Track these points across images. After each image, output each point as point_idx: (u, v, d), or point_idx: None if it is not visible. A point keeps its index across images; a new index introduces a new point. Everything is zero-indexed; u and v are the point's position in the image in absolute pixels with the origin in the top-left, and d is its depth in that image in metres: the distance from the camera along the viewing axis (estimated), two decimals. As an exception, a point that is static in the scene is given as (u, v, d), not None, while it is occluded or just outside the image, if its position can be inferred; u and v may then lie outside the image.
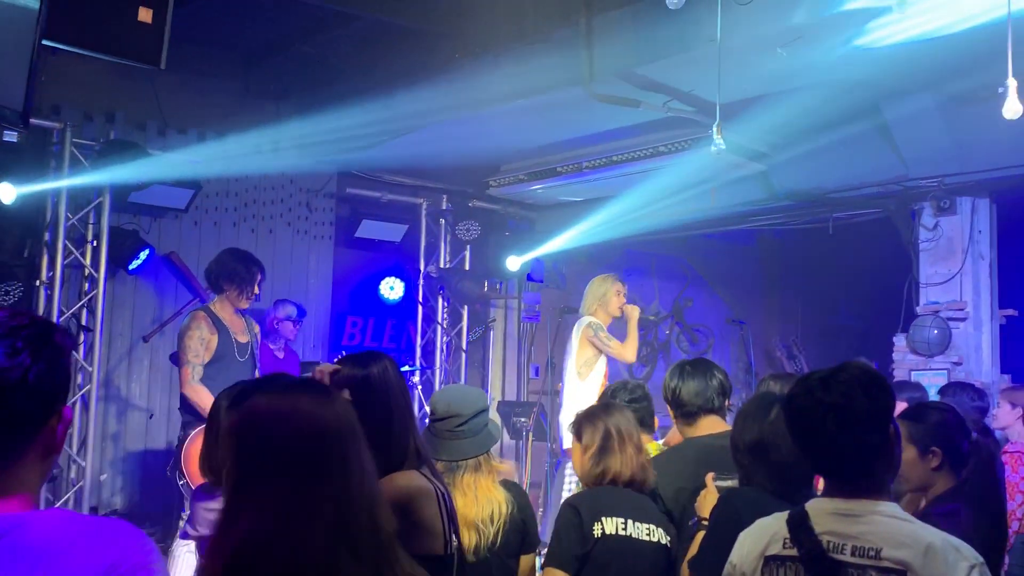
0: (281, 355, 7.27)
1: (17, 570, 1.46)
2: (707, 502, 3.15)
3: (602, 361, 6.54)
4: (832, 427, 2.11)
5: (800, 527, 2.13)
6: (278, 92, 7.95)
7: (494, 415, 7.42)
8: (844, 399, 2.11)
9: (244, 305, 5.97)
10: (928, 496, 3.02)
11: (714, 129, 5.10)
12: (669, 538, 3.32)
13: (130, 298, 7.51)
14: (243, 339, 5.95)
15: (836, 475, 2.18)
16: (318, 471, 1.71)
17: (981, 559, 2.05)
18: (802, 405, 2.18)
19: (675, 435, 4.24)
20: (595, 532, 3.20)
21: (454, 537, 2.54)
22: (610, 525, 3.21)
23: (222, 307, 5.93)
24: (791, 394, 2.24)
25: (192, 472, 5.33)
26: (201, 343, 5.75)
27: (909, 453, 2.99)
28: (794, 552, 2.13)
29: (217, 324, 5.82)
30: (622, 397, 4.09)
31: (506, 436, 7.97)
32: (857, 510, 2.11)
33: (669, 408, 3.80)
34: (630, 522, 3.25)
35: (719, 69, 5.27)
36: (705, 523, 3.10)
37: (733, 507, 2.76)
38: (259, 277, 6.00)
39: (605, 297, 6.61)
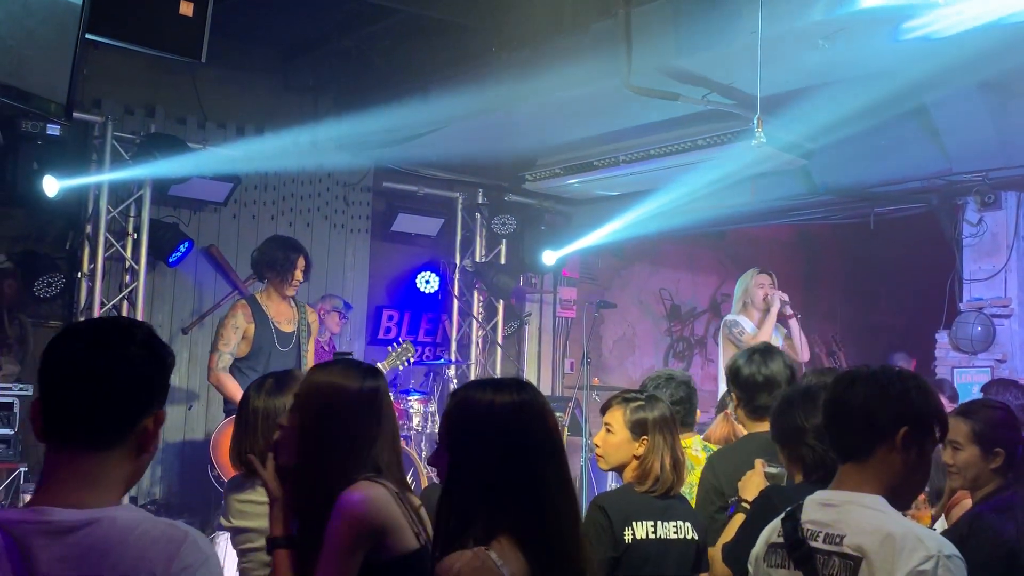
0: (327, 348, 7.33)
1: (88, 563, 1.54)
2: (751, 484, 3.14)
3: (770, 333, 6.60)
4: (828, 420, 2.28)
5: (789, 516, 2.24)
6: (316, 87, 7.99)
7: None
8: (847, 388, 2.23)
9: (290, 292, 6.01)
10: (976, 496, 2.98)
11: (755, 122, 5.05)
12: (697, 533, 3.29)
13: (170, 290, 7.59)
14: (287, 328, 5.98)
15: (841, 462, 2.26)
16: None
17: (950, 552, 2.01)
18: (834, 387, 2.32)
19: (719, 429, 4.20)
20: (626, 538, 3.15)
21: (422, 529, 2.53)
22: (641, 530, 3.18)
23: (268, 296, 6.01)
24: (836, 378, 2.37)
25: (223, 463, 5.36)
26: (235, 331, 5.82)
27: (971, 451, 3.00)
28: (782, 540, 2.24)
29: (257, 314, 5.87)
30: (663, 393, 4.00)
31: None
32: (837, 500, 2.18)
33: (734, 397, 3.70)
34: (659, 523, 3.22)
35: (759, 61, 5.21)
36: (745, 506, 3.09)
37: (772, 504, 2.76)
38: (302, 263, 6.02)
39: (748, 293, 6.71)
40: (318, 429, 2.58)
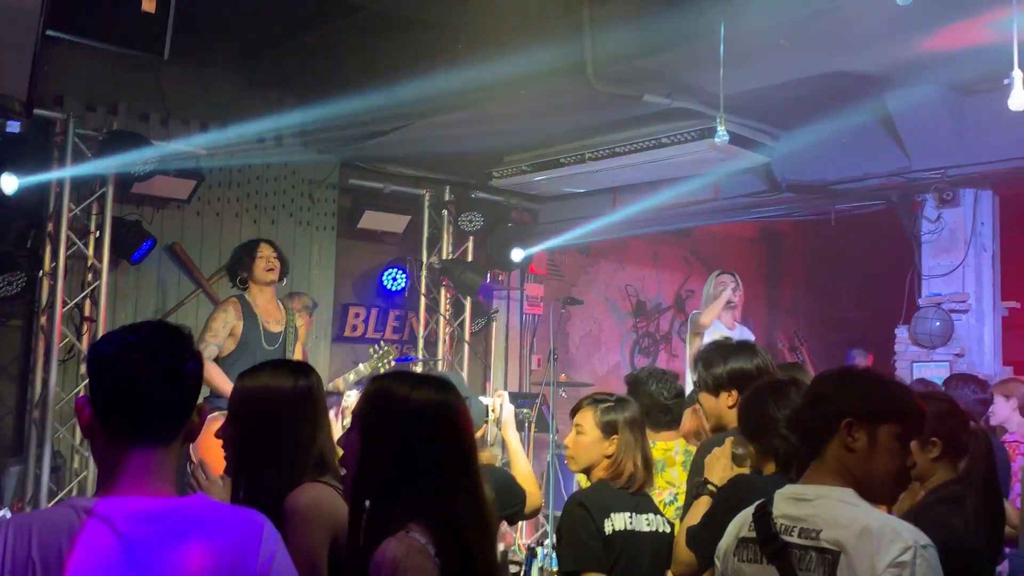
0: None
1: (182, 545, 1.68)
2: (718, 466, 3.19)
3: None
4: (787, 416, 2.48)
5: (761, 511, 2.27)
6: (280, 83, 7.94)
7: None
8: (813, 389, 2.38)
9: (269, 278, 6.09)
10: (927, 486, 3.03)
11: (718, 120, 5.10)
12: (669, 527, 3.37)
13: (132, 289, 7.51)
14: (275, 328, 6.09)
15: (808, 460, 2.32)
16: None
17: (925, 542, 2.06)
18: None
19: (687, 423, 4.24)
20: (606, 529, 3.24)
21: None
22: (619, 521, 3.27)
23: (256, 295, 6.11)
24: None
25: (209, 460, 5.29)
26: (224, 326, 5.94)
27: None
28: (754, 534, 2.26)
29: (246, 312, 5.97)
30: (660, 387, 4.02)
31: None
32: (809, 494, 2.22)
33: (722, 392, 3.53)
34: (634, 515, 3.31)
35: (722, 60, 5.27)
36: (711, 488, 3.13)
37: (739, 494, 2.80)
38: (267, 249, 6.14)
39: (712, 294, 7.03)
40: (258, 434, 2.60)
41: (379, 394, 2.21)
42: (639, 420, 3.44)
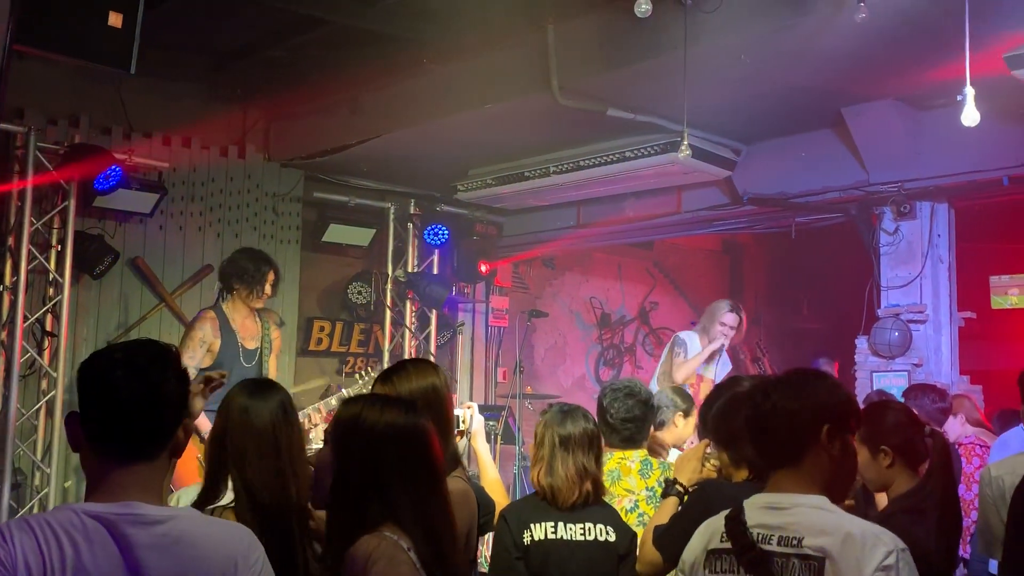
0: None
1: (178, 550, 1.77)
2: (688, 467, 3.24)
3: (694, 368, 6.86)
4: (753, 434, 2.36)
5: (734, 521, 2.26)
6: (244, 96, 7.91)
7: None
8: (763, 400, 2.31)
9: (257, 304, 5.94)
10: (890, 495, 3.08)
11: (682, 135, 5.17)
12: (616, 534, 3.42)
13: (95, 303, 7.44)
14: (251, 345, 5.90)
15: (773, 470, 2.32)
16: None
17: (903, 545, 2.12)
18: (750, 402, 2.39)
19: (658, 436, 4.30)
20: (525, 540, 3.36)
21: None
22: (539, 531, 3.37)
23: (234, 308, 5.92)
24: (748, 392, 2.50)
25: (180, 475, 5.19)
26: (201, 345, 5.72)
27: (862, 454, 3.01)
28: (729, 545, 2.25)
29: (224, 327, 5.78)
30: (618, 407, 4.02)
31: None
32: (784, 503, 2.22)
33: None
34: (562, 525, 3.38)
35: (685, 76, 5.35)
36: (678, 488, 3.19)
37: (707, 498, 2.86)
38: (272, 277, 5.97)
39: (712, 321, 6.94)
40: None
41: (350, 418, 2.35)
42: (578, 436, 3.45)
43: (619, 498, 3.89)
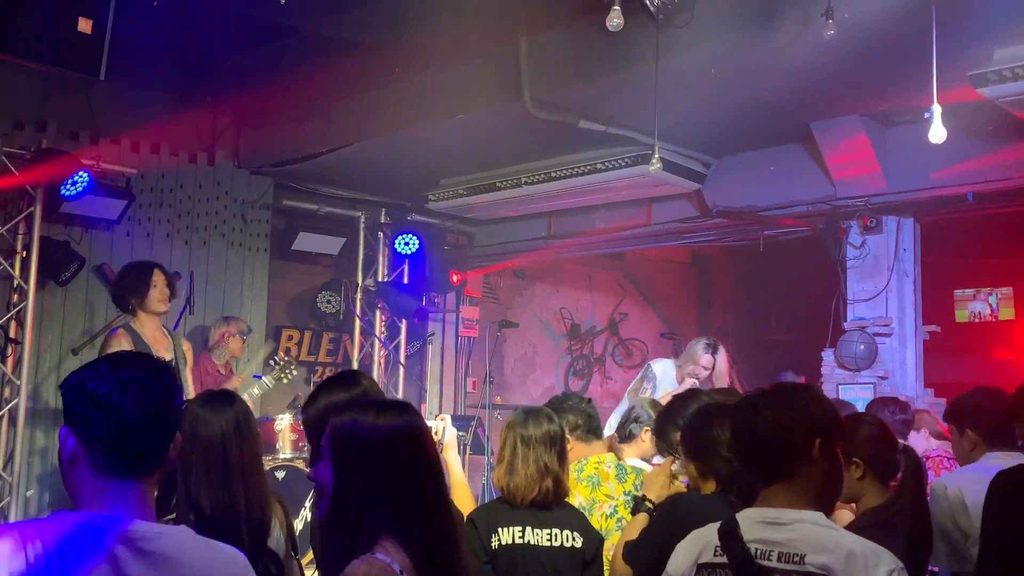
0: (224, 372, 7.16)
1: (170, 567, 1.75)
2: (656, 484, 3.26)
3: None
4: (742, 451, 2.33)
5: (729, 535, 2.22)
6: (215, 102, 7.86)
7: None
8: (753, 415, 2.26)
9: (162, 308, 5.83)
10: (859, 508, 3.10)
11: (653, 148, 5.20)
12: (583, 540, 3.42)
13: (60, 310, 7.34)
14: (167, 356, 5.76)
15: (764, 484, 2.28)
16: None
17: (900, 564, 2.14)
18: (738, 417, 2.34)
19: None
20: (493, 544, 3.36)
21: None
22: (506, 536, 3.38)
23: (142, 324, 5.80)
24: (735, 406, 2.41)
25: None
26: None
27: None
28: (724, 560, 2.21)
29: (137, 343, 5.67)
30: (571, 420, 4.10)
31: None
32: (784, 519, 2.19)
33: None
34: (529, 530, 3.39)
35: (656, 89, 5.39)
36: (648, 505, 3.20)
37: (677, 512, 2.87)
38: (159, 276, 5.84)
39: (690, 362, 6.62)
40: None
41: (346, 424, 2.27)
42: (541, 436, 3.47)
43: (600, 503, 3.92)
